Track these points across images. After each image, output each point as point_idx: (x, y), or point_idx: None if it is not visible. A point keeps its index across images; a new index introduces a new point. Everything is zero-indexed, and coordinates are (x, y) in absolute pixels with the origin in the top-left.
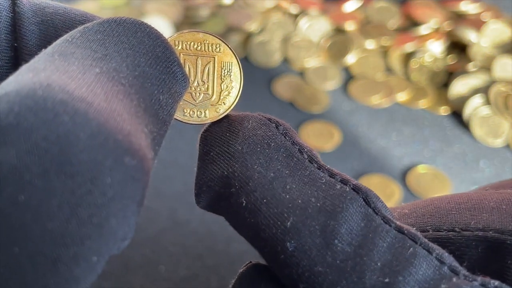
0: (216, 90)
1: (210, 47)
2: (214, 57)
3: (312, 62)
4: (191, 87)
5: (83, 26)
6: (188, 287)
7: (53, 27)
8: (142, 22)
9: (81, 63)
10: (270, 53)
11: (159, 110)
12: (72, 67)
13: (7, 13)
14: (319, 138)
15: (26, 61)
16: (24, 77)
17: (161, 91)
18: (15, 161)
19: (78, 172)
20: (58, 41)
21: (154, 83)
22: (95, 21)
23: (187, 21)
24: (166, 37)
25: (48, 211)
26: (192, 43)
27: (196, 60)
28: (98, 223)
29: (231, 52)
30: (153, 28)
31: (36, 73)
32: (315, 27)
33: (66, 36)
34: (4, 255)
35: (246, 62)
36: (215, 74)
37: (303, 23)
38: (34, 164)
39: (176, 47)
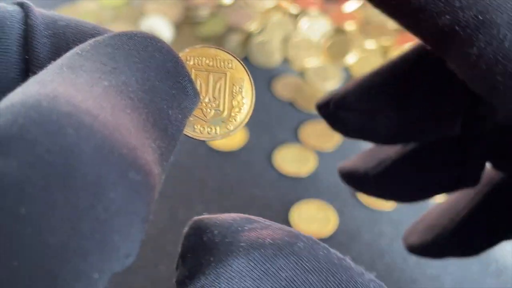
0: (227, 107)
1: (222, 63)
2: (226, 73)
3: (312, 62)
4: (202, 103)
5: (94, 39)
6: None
7: (65, 40)
8: (154, 36)
9: (89, 76)
10: (270, 53)
11: (168, 125)
12: (80, 79)
13: (19, 25)
14: (319, 138)
15: (36, 73)
16: (31, 88)
17: (170, 106)
18: (17, 173)
19: (81, 186)
20: (68, 54)
21: (164, 98)
22: (106, 35)
23: (187, 21)
24: (178, 53)
25: (49, 225)
26: (204, 58)
27: (208, 76)
28: (100, 238)
29: (243, 69)
30: (164, 42)
31: (42, 85)
32: (315, 27)
33: (76, 49)
34: (2, 268)
35: (246, 62)
36: (227, 90)
37: (303, 23)
38: (36, 176)
39: (188, 62)
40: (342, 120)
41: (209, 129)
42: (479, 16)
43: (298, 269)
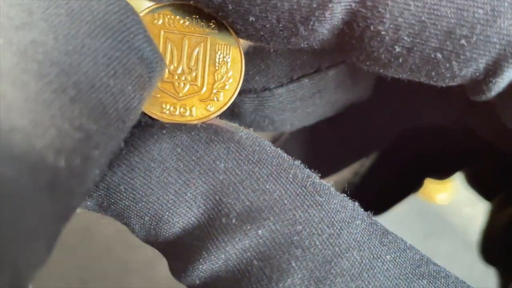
0: (207, 81)
1: (202, 24)
2: (207, 37)
3: None
4: (173, 75)
5: None
6: None
7: None
8: None
9: None
10: None
11: (107, 99)
12: None
13: None
14: None
15: None
16: None
17: (112, 73)
18: None
19: None
20: None
21: (100, 62)
22: None
23: None
24: (146, 7)
25: None
26: (178, 17)
27: (182, 39)
28: None
29: (230, 32)
30: None
31: None
32: None
33: None
34: None
35: None
36: (207, 59)
37: None
38: None
39: (155, 21)
40: None
41: (182, 110)
42: None
43: (240, 159)
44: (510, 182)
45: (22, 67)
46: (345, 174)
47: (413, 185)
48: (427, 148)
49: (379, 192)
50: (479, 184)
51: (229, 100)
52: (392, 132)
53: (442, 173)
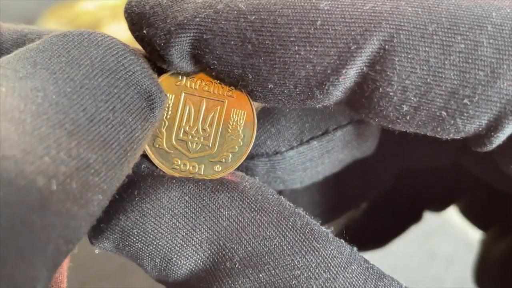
0: (218, 142)
1: (221, 89)
2: (224, 102)
3: None
4: (188, 134)
5: (26, 46)
6: None
7: None
8: (94, 32)
9: None
10: None
11: (106, 131)
12: None
13: None
14: None
15: None
16: None
17: (111, 108)
18: None
19: None
20: None
21: (98, 99)
22: (43, 38)
23: None
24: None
25: None
26: (200, 80)
27: (201, 102)
28: None
29: (247, 99)
30: (107, 37)
31: None
32: None
33: (3, 58)
34: None
35: None
36: (221, 122)
37: None
38: None
39: (178, 82)
40: None
41: (191, 167)
42: None
43: (243, 208)
44: (504, 215)
45: (21, 109)
46: (347, 215)
47: (412, 220)
48: (424, 186)
49: (380, 229)
50: (474, 215)
51: (236, 162)
52: (391, 174)
53: (439, 207)
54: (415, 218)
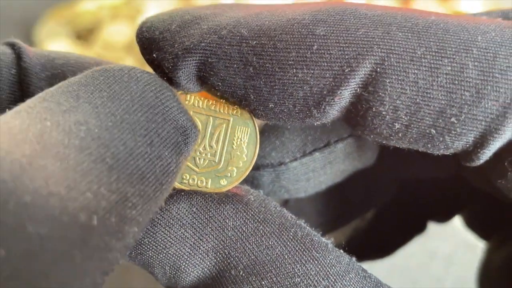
0: (224, 158)
1: (226, 107)
2: (229, 120)
3: None
4: (196, 151)
5: (69, 78)
6: None
7: (64, 79)
8: (133, 67)
9: (35, 117)
10: None
11: (144, 165)
12: (15, 122)
13: (8, 69)
14: None
15: None
16: None
17: (149, 142)
18: None
19: None
20: (33, 98)
21: (137, 133)
22: (84, 72)
23: None
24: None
25: None
26: (207, 100)
27: (207, 120)
28: None
29: (250, 117)
30: (146, 73)
31: None
32: None
33: (42, 92)
34: None
35: None
36: (227, 139)
37: None
38: None
39: (187, 101)
40: None
41: (199, 182)
42: None
43: (247, 218)
44: (504, 224)
45: (65, 143)
46: (350, 226)
47: (416, 231)
48: (426, 197)
49: (382, 238)
50: (475, 225)
51: (241, 177)
52: (392, 184)
53: (442, 218)
54: (418, 227)
